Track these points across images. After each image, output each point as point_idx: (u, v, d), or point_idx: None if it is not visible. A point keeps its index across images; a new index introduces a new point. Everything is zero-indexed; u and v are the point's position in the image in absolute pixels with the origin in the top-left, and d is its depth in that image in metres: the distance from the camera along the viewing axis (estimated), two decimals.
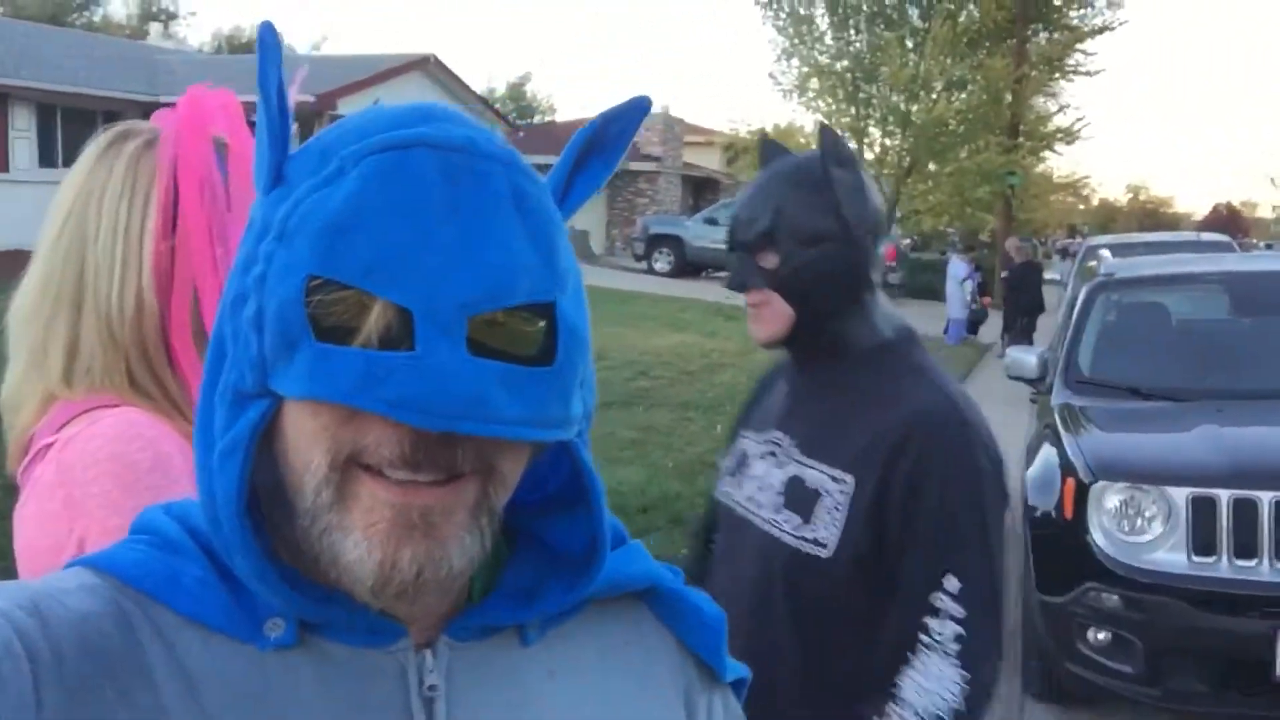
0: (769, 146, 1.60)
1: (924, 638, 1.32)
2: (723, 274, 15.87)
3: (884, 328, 1.50)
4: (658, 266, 21.30)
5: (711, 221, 20.76)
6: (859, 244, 1.44)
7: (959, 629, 1.31)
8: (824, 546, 1.38)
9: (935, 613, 1.32)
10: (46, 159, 15.82)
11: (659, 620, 0.76)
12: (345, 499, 0.58)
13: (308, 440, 0.58)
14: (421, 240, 0.55)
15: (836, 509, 1.39)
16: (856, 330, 1.48)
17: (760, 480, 1.51)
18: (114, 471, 1.01)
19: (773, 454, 1.51)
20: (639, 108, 0.66)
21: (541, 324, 0.59)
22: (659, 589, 0.75)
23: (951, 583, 1.32)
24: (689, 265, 21.11)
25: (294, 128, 0.64)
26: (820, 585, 1.39)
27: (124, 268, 1.11)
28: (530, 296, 0.58)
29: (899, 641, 1.34)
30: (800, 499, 1.43)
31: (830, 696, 1.41)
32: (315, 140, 0.62)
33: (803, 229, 1.43)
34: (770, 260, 1.44)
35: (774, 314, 1.46)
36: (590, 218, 25.66)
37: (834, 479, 1.41)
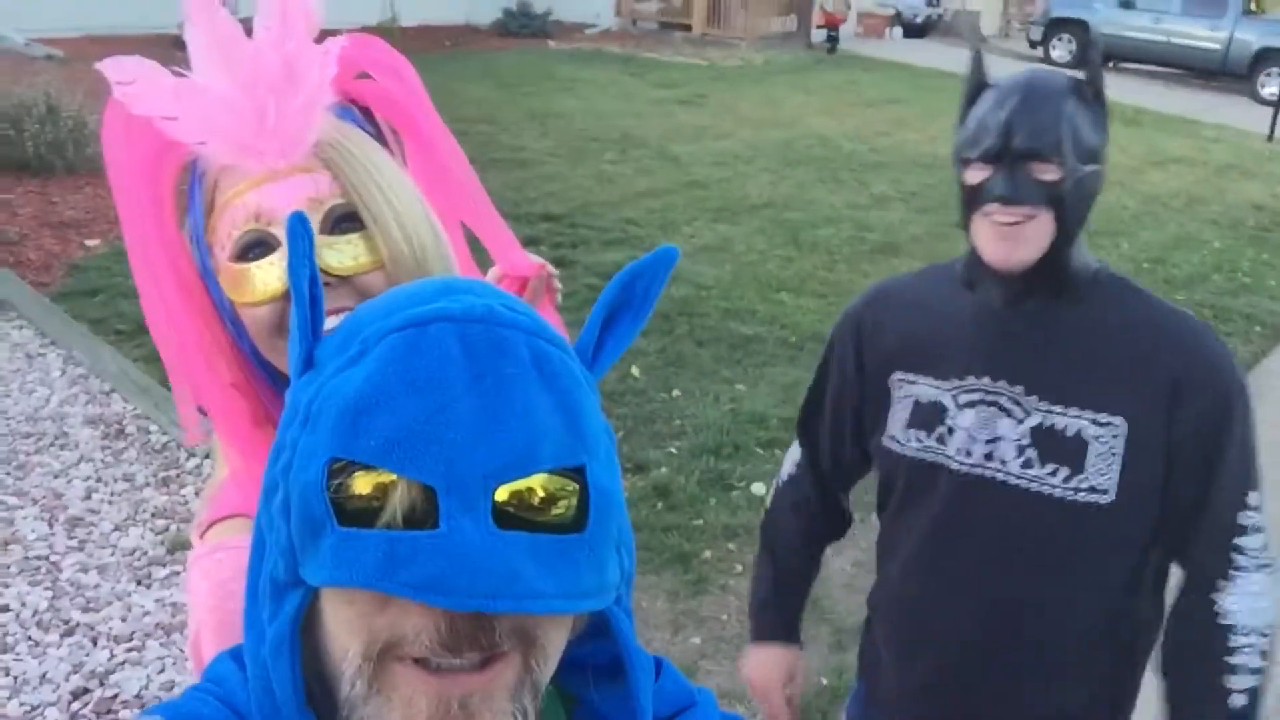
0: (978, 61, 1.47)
1: (1238, 559, 1.34)
2: (1135, 65, 13.86)
3: (1090, 258, 1.43)
4: (1055, 55, 17.83)
5: (1128, 5, 17.43)
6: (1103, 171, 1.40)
7: (1263, 536, 1.35)
8: (1104, 493, 1.35)
9: (1244, 531, 1.35)
10: None
11: None
12: (382, 691, 0.56)
13: (345, 629, 0.56)
14: (441, 414, 0.54)
15: (1112, 454, 1.35)
16: (1079, 260, 1.41)
17: (976, 432, 1.41)
18: None
19: (991, 404, 1.41)
20: (665, 260, 0.66)
21: (572, 490, 0.58)
22: None
23: (1254, 497, 1.35)
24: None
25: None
26: (1097, 533, 1.38)
27: None
28: (556, 462, 0.57)
29: (1205, 573, 1.37)
30: (1062, 449, 1.36)
31: (1079, 645, 1.43)
32: (344, 322, 0.62)
33: (1084, 144, 1.35)
34: (1050, 173, 1.33)
35: (1036, 233, 1.34)
36: None
37: (1098, 423, 1.35)
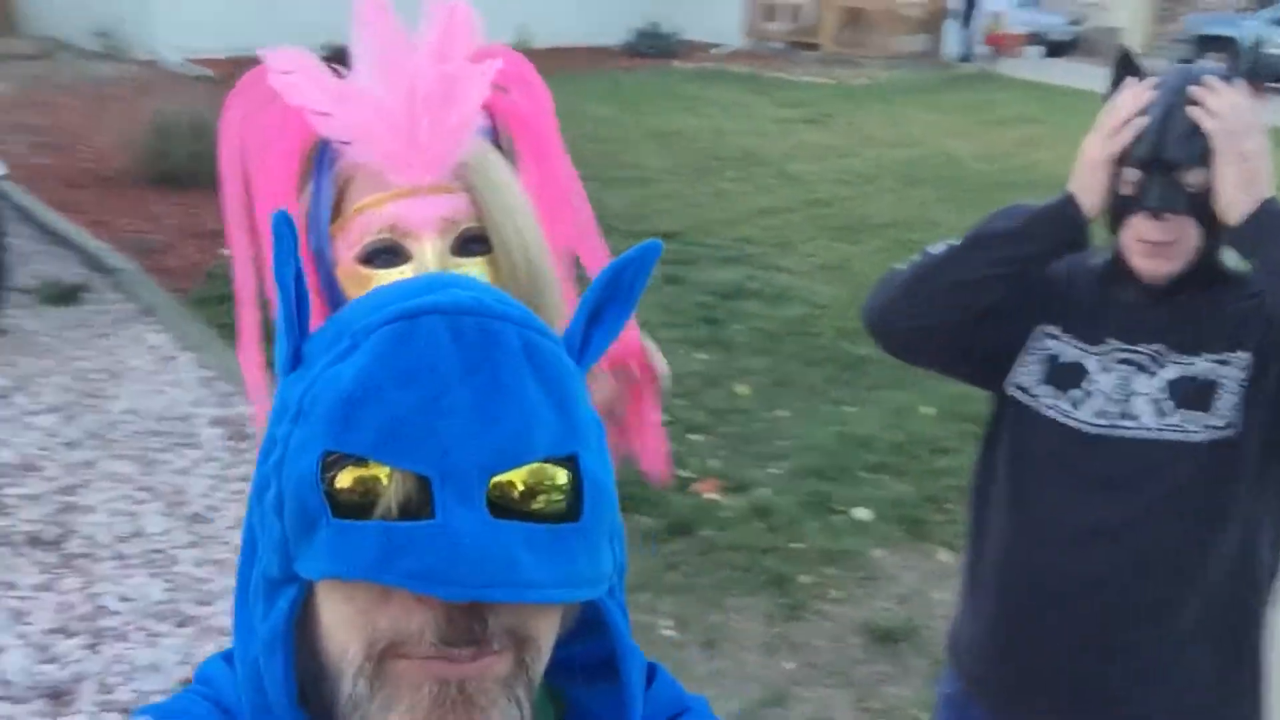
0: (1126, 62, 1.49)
1: None
2: None
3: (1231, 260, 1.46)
4: None
5: None
6: None
7: None
8: (1233, 427, 1.38)
9: None
10: None
11: None
12: (384, 687, 0.56)
13: (343, 627, 0.56)
14: (434, 405, 0.54)
15: (1240, 386, 1.38)
16: (1222, 259, 1.44)
17: (1113, 393, 1.44)
18: None
19: (1129, 362, 1.44)
20: (650, 253, 0.65)
21: (565, 480, 0.58)
22: None
23: None
24: (1244, 74, 16.65)
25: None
26: (1227, 469, 1.40)
27: None
28: (549, 452, 0.57)
29: None
30: (1196, 395, 1.40)
31: (1222, 583, 1.44)
32: (332, 319, 0.62)
33: None
34: (1198, 179, 1.33)
35: (1183, 248, 1.36)
36: (1130, 10, 21.54)
37: (1226, 362, 1.39)
